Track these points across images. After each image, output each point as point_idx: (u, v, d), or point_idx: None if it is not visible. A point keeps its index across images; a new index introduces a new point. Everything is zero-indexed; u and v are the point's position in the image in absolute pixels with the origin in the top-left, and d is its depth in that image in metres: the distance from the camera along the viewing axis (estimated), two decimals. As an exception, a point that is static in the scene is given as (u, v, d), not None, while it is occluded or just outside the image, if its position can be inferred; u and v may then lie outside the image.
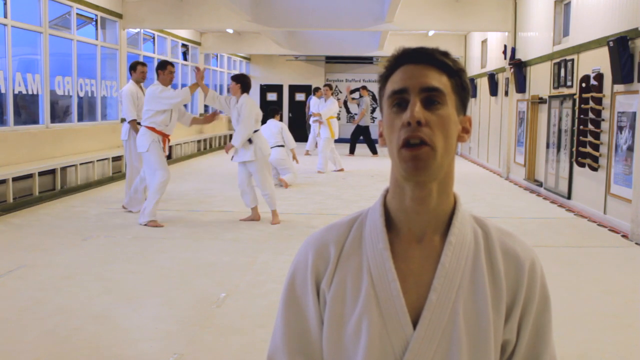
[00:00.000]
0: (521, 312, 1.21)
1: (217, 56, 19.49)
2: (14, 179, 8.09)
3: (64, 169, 9.35)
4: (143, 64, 8.45)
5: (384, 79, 1.23)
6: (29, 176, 8.47)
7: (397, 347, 1.18)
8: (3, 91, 8.73)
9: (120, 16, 12.38)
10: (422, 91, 1.17)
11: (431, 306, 1.17)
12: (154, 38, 14.56)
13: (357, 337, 1.19)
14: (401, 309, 1.18)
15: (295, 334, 1.25)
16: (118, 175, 11.07)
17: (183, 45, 16.59)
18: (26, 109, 9.73)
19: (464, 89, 1.23)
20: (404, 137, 1.16)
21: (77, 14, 10.86)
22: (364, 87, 16.57)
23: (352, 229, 1.27)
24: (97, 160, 10.40)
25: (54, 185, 9.11)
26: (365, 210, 1.29)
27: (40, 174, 8.71)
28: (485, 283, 1.19)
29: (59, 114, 10.65)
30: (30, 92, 9.43)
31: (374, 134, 16.80)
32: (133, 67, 8.36)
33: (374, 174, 12.32)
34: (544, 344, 1.24)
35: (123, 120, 8.52)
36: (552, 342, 1.25)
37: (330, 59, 21.50)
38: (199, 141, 16.32)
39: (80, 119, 11.04)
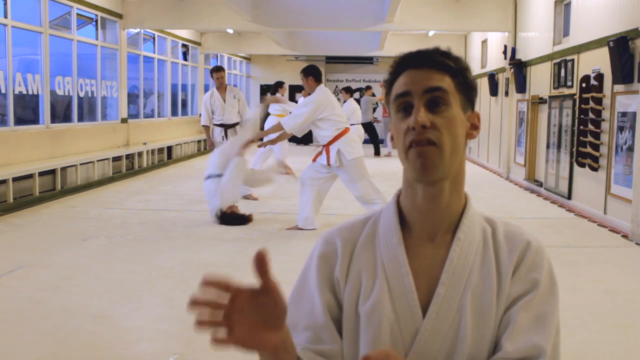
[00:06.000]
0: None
1: (217, 56, 19.49)
2: (14, 179, 8.08)
3: (64, 169, 9.35)
4: (216, 69, 8.96)
5: (389, 84, 1.25)
6: (29, 176, 8.47)
7: (407, 340, 1.19)
8: (3, 91, 8.74)
9: (120, 16, 12.38)
10: (425, 93, 1.19)
11: (439, 300, 1.19)
12: (154, 38, 14.56)
13: (368, 329, 1.21)
14: (413, 303, 1.20)
15: (305, 319, 1.27)
16: (118, 175, 11.07)
17: (183, 45, 16.59)
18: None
19: (469, 86, 1.24)
20: (410, 140, 1.18)
21: (77, 14, 10.87)
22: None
23: (366, 226, 1.30)
24: (98, 161, 10.40)
25: (54, 186, 9.11)
26: (378, 210, 1.32)
27: (41, 174, 8.71)
28: (493, 279, 1.20)
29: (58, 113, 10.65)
30: (30, 92, 9.43)
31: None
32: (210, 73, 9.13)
33: (374, 174, 12.29)
34: (544, 335, 1.17)
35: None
36: (553, 337, 1.18)
37: (330, 59, 21.49)
38: (198, 141, 16.32)
39: (80, 119, 11.05)
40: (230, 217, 7.19)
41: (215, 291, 0.99)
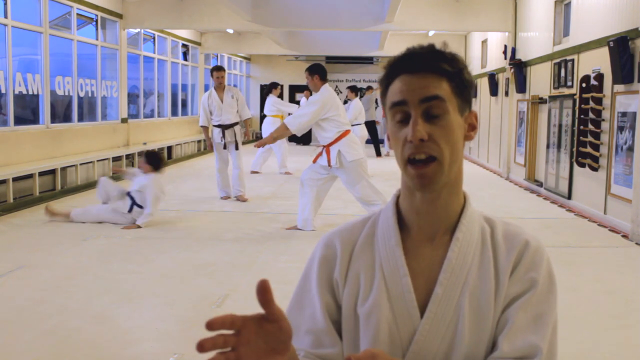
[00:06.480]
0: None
1: (217, 56, 19.49)
2: (14, 179, 8.09)
3: (64, 169, 9.35)
4: (217, 69, 9.02)
5: (384, 86, 1.23)
6: (29, 176, 8.47)
7: (405, 340, 1.19)
8: (3, 91, 8.74)
9: (120, 16, 12.38)
10: (422, 103, 1.16)
11: (437, 300, 1.19)
12: (154, 38, 14.57)
13: (367, 330, 1.21)
14: (411, 304, 1.20)
15: (307, 322, 1.27)
16: (118, 175, 11.05)
17: (183, 45, 16.60)
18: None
19: (466, 86, 1.21)
20: (408, 153, 1.17)
21: (77, 14, 10.87)
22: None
23: (366, 226, 1.30)
24: (98, 161, 10.41)
25: (54, 186, 9.11)
26: (378, 211, 1.32)
27: (41, 174, 8.71)
28: (491, 279, 1.20)
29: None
30: (30, 92, 9.43)
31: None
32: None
33: (374, 174, 12.30)
34: (541, 335, 1.16)
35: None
36: (549, 336, 1.18)
37: (330, 59, 21.48)
38: (198, 141, 16.31)
39: (80, 119, 11.05)
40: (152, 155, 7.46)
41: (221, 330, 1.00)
